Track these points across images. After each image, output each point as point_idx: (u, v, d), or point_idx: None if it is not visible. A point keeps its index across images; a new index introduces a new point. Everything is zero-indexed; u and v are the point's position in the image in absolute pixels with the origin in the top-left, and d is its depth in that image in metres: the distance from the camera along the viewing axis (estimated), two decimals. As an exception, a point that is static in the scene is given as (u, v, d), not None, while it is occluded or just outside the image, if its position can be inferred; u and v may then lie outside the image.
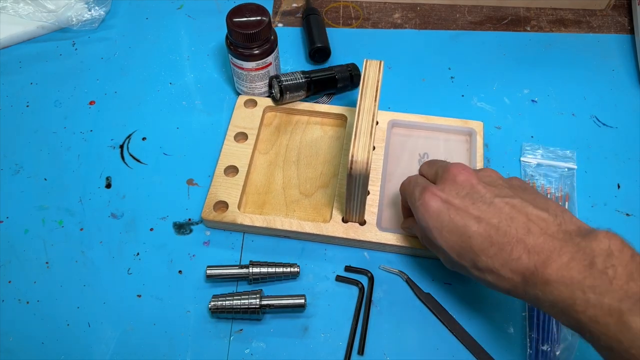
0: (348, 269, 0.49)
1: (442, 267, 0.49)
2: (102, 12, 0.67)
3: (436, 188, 0.40)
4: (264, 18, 0.53)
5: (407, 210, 0.47)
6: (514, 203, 0.37)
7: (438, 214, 0.39)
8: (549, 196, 0.52)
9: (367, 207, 0.49)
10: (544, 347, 0.45)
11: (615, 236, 0.33)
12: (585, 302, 0.31)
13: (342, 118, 0.58)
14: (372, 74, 0.46)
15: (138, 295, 0.48)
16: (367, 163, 0.42)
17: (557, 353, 0.44)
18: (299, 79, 0.57)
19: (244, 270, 0.48)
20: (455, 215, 0.38)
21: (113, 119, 0.60)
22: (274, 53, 0.56)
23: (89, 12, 0.66)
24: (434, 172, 0.43)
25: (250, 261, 0.49)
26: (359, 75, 0.57)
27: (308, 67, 0.64)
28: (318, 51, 0.62)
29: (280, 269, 0.48)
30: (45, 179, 0.55)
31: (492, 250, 0.36)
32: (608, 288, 0.31)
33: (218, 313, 0.46)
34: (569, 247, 0.34)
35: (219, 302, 0.46)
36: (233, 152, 0.54)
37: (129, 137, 0.58)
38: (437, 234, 0.39)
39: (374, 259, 0.50)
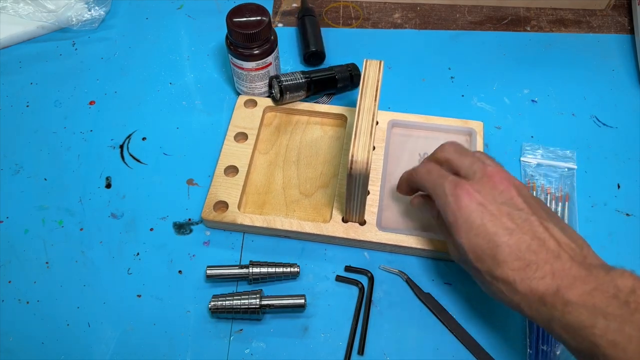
0: (348, 269, 0.49)
1: (442, 267, 0.49)
2: (102, 12, 0.67)
3: (472, 187, 0.39)
4: (264, 18, 0.53)
5: (406, 187, 0.48)
6: (547, 226, 0.38)
7: (469, 214, 0.39)
8: (549, 196, 0.52)
9: (367, 207, 0.49)
10: (544, 347, 0.45)
11: (637, 276, 0.34)
12: (605, 327, 0.32)
13: (342, 118, 0.58)
14: (372, 74, 0.46)
15: (138, 295, 0.48)
16: (367, 163, 0.42)
17: (557, 353, 0.44)
18: (299, 79, 0.57)
19: (244, 270, 0.48)
20: (489, 220, 0.38)
21: (113, 119, 0.60)
22: (274, 53, 0.56)
23: (89, 12, 0.66)
24: (467, 166, 0.41)
25: (250, 261, 0.49)
26: (359, 75, 0.57)
27: (308, 67, 0.64)
28: (312, 55, 0.62)
29: (280, 269, 0.48)
30: (45, 179, 0.55)
31: (516, 264, 0.36)
32: (630, 318, 0.32)
33: (218, 313, 0.46)
34: (594, 278, 0.34)
35: (219, 302, 0.46)
36: (233, 152, 0.54)
37: (129, 137, 0.58)
38: (462, 233, 0.39)
39: (374, 259, 0.50)
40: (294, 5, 0.70)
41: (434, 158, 0.45)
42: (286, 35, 0.67)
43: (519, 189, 0.40)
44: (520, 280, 0.36)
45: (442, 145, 0.45)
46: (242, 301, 0.45)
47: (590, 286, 0.34)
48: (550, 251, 0.36)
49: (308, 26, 0.64)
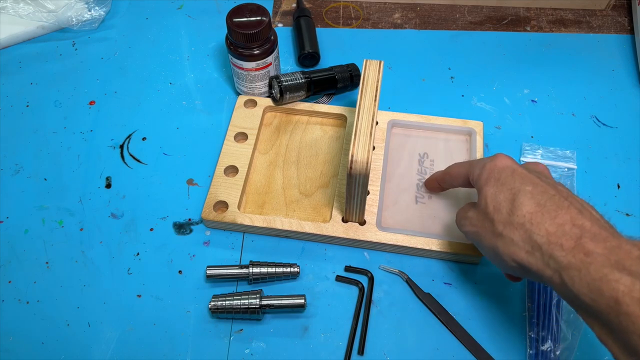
0: (348, 269, 0.49)
1: (442, 267, 0.49)
2: (102, 12, 0.67)
3: (511, 158, 0.41)
4: (264, 18, 0.53)
5: (437, 186, 0.50)
6: (574, 196, 0.38)
7: (502, 169, 0.39)
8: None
9: (367, 207, 0.49)
10: (544, 347, 0.45)
11: None
12: (631, 284, 0.30)
13: (342, 118, 0.58)
14: (372, 74, 0.46)
15: (138, 295, 0.48)
16: (367, 163, 0.42)
17: (557, 353, 0.44)
18: (299, 79, 0.57)
19: (244, 270, 0.48)
20: (518, 175, 0.38)
21: (113, 119, 0.60)
22: (274, 53, 0.56)
23: (89, 12, 0.66)
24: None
25: (250, 261, 0.49)
26: (359, 76, 0.57)
27: (303, 68, 0.64)
28: (307, 56, 0.62)
29: (280, 269, 0.48)
30: (45, 179, 0.55)
31: (535, 208, 0.36)
32: None
33: (218, 313, 0.46)
34: (617, 240, 0.33)
35: (219, 302, 0.46)
36: (233, 152, 0.54)
37: (129, 137, 0.58)
38: (490, 184, 0.39)
39: (374, 259, 0.50)
40: (294, 5, 0.70)
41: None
42: (286, 35, 0.67)
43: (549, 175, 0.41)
44: (537, 223, 0.35)
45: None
46: (242, 301, 0.45)
47: (613, 244, 0.33)
48: (573, 207, 0.35)
49: (303, 27, 0.64)
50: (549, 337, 0.45)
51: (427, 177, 0.53)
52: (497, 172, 0.40)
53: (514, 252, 0.36)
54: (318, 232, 0.49)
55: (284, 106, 0.58)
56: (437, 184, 0.50)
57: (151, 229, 0.52)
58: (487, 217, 0.39)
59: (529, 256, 0.35)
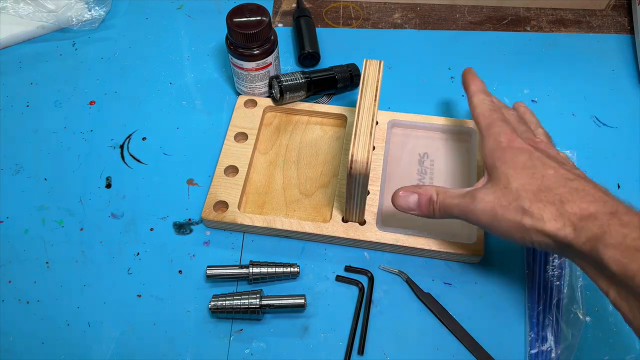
0: (348, 269, 0.49)
1: (442, 267, 0.49)
2: (102, 12, 0.67)
3: (525, 142, 0.42)
4: (264, 18, 0.53)
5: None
6: (593, 182, 0.39)
7: (518, 152, 0.40)
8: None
9: (367, 207, 0.49)
10: (544, 347, 0.45)
11: None
12: None
13: (342, 118, 0.58)
14: (372, 73, 0.46)
15: (138, 295, 0.48)
16: (367, 163, 0.42)
17: (557, 353, 0.44)
18: (299, 79, 0.57)
19: (244, 270, 0.48)
20: (536, 160, 0.40)
21: (113, 119, 0.60)
22: (274, 53, 0.56)
23: (89, 12, 0.66)
24: (520, 133, 0.44)
25: (250, 261, 0.49)
26: (359, 75, 0.57)
27: (303, 68, 0.64)
28: (307, 56, 0.62)
29: (280, 269, 0.48)
30: (45, 179, 0.55)
31: (563, 189, 0.37)
32: None
33: (218, 313, 0.46)
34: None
35: (219, 302, 0.46)
36: (233, 152, 0.54)
37: (129, 137, 0.58)
38: (507, 165, 0.40)
39: (374, 259, 0.50)
40: (294, 5, 0.70)
41: (500, 105, 0.48)
42: (286, 36, 0.67)
43: (564, 159, 0.43)
44: (569, 200, 0.36)
45: (508, 107, 0.49)
46: (242, 301, 0.45)
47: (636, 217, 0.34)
48: (599, 190, 0.37)
49: (303, 27, 0.64)
50: (549, 337, 0.45)
51: (427, 177, 0.53)
52: (514, 153, 0.41)
53: (544, 226, 0.37)
54: (318, 232, 0.49)
55: (284, 106, 0.58)
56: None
57: (151, 229, 0.52)
58: (508, 194, 0.39)
59: (560, 229, 0.36)
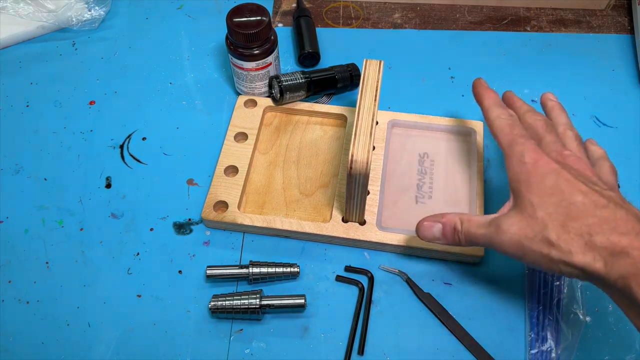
0: (348, 269, 0.49)
1: (442, 267, 0.49)
2: (102, 12, 0.67)
3: (550, 158, 0.39)
4: (264, 18, 0.53)
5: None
6: (625, 200, 0.37)
7: (544, 175, 0.38)
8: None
9: (367, 207, 0.49)
10: (544, 347, 0.45)
11: None
12: None
13: (342, 118, 0.58)
14: (372, 73, 0.46)
15: (138, 295, 0.48)
16: (367, 163, 0.42)
17: (557, 353, 0.44)
18: (299, 79, 0.57)
19: (244, 270, 0.48)
20: (563, 182, 0.37)
21: (113, 119, 0.60)
22: (274, 53, 0.56)
23: (89, 12, 0.66)
24: (548, 143, 0.41)
25: (250, 261, 0.49)
26: (359, 75, 0.57)
27: (303, 68, 0.64)
28: (307, 56, 0.62)
29: (280, 269, 0.48)
30: (45, 179, 0.55)
31: (592, 219, 0.35)
32: None
33: (218, 313, 0.46)
34: None
35: (219, 302, 0.46)
36: (233, 152, 0.54)
37: (129, 137, 0.58)
38: (533, 191, 0.38)
39: (374, 259, 0.50)
40: (294, 5, 0.70)
41: (515, 108, 0.46)
42: (286, 35, 0.67)
43: (595, 173, 0.39)
44: (597, 232, 0.34)
45: (533, 111, 0.45)
46: (242, 301, 0.45)
47: None
48: (631, 214, 0.35)
49: (303, 27, 0.64)
50: (549, 337, 0.45)
51: (427, 177, 0.53)
52: (540, 177, 0.38)
53: (572, 259, 0.36)
54: (318, 232, 0.49)
55: (284, 106, 0.58)
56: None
57: (151, 229, 0.52)
58: (534, 225, 0.37)
59: (589, 263, 0.35)
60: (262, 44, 0.54)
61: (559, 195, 0.37)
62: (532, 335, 0.45)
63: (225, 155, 0.54)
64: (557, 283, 0.47)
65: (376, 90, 0.45)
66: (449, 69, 0.63)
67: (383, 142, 0.55)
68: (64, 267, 0.50)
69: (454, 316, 0.47)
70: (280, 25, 0.68)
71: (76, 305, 0.48)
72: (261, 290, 0.47)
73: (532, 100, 0.60)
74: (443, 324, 0.46)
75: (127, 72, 0.64)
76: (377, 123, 0.56)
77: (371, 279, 0.48)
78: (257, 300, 0.45)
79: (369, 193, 0.51)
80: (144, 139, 0.58)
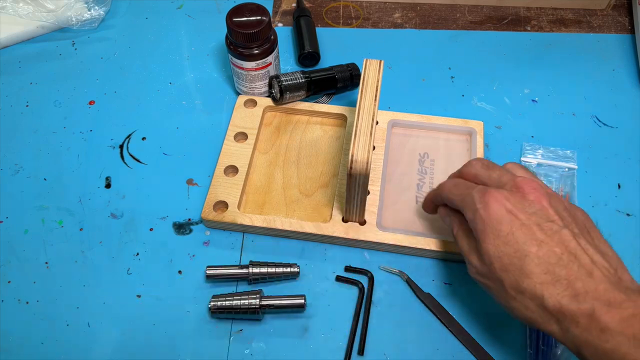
0: (348, 269, 0.49)
1: (442, 267, 0.49)
2: (102, 12, 0.67)
3: (501, 195, 0.38)
4: (264, 18, 0.53)
5: (432, 206, 0.47)
6: (580, 241, 0.36)
7: (499, 221, 0.37)
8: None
9: (367, 207, 0.49)
10: (544, 347, 0.45)
11: None
12: None
13: (342, 118, 0.58)
14: (372, 73, 0.46)
15: (138, 296, 0.48)
16: (367, 163, 0.42)
17: (558, 353, 0.44)
18: (299, 79, 0.57)
19: (244, 270, 0.48)
20: (518, 229, 0.36)
21: (113, 119, 0.60)
22: (273, 53, 0.56)
23: (89, 12, 0.66)
24: (496, 179, 0.40)
25: (250, 261, 0.49)
26: (359, 75, 0.57)
27: (303, 68, 0.64)
28: (307, 56, 0.62)
29: (280, 269, 0.48)
30: (45, 179, 0.55)
31: (545, 277, 0.35)
32: None
33: (218, 313, 0.46)
34: (632, 303, 0.33)
35: (219, 302, 0.46)
36: (233, 152, 0.54)
37: (128, 137, 0.58)
38: (490, 239, 0.37)
39: (374, 259, 0.50)
40: (294, 5, 0.70)
41: (460, 174, 0.44)
42: (286, 35, 0.67)
43: (552, 199, 0.38)
44: (549, 295, 0.34)
45: (469, 162, 0.44)
46: (242, 301, 0.45)
47: (628, 312, 0.32)
48: (583, 268, 0.34)
49: (303, 27, 0.64)
50: (549, 337, 0.45)
51: (427, 177, 0.53)
52: (494, 224, 0.37)
53: (530, 317, 0.36)
54: (318, 232, 0.49)
55: (284, 106, 0.58)
56: (431, 204, 0.47)
57: (151, 229, 0.52)
58: (494, 275, 0.37)
59: (546, 325, 0.35)
60: (262, 43, 0.54)
61: (514, 246, 0.36)
62: (532, 335, 0.45)
63: (225, 155, 0.54)
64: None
65: (376, 90, 0.45)
66: (449, 69, 0.63)
67: (383, 142, 0.55)
68: (63, 267, 0.50)
69: (454, 316, 0.47)
70: (280, 25, 0.68)
71: (76, 306, 0.48)
72: (261, 290, 0.47)
73: (533, 100, 0.60)
74: (443, 324, 0.46)
75: (127, 72, 0.64)
76: (377, 123, 0.56)
77: (371, 279, 0.48)
78: (257, 300, 0.45)
79: (369, 193, 0.51)
80: (143, 138, 0.58)
